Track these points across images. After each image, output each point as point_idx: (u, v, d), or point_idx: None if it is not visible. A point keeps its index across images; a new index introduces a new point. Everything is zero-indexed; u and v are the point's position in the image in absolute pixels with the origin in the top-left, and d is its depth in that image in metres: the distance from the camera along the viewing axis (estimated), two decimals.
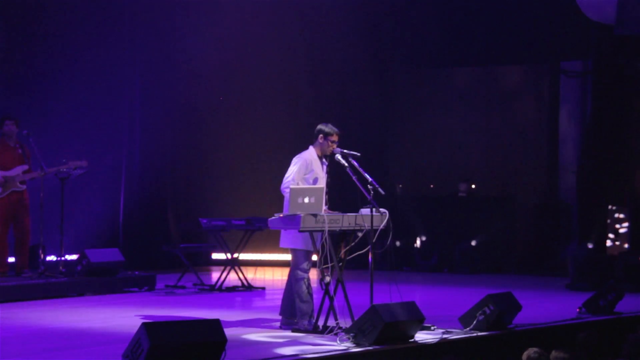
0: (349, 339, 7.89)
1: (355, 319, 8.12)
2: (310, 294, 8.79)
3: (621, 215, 14.91)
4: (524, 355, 6.38)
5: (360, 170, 8.69)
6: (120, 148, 15.39)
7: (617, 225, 14.98)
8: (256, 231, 12.69)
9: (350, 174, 8.66)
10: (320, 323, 8.60)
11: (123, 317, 9.79)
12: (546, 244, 16.02)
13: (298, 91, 16.57)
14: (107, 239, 14.57)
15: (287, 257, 9.06)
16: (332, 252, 8.58)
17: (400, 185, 17.32)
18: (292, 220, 8.40)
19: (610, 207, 15.03)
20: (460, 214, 16.33)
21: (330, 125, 8.96)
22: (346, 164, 8.75)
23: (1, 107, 13.12)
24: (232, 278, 12.63)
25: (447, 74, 17.45)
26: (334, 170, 9.08)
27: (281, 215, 8.60)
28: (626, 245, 14.79)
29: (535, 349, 6.40)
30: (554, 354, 6.41)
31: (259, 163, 16.16)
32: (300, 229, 8.40)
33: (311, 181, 8.81)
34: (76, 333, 8.64)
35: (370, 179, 8.58)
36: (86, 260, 11.81)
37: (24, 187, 11.72)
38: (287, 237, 8.87)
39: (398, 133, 17.63)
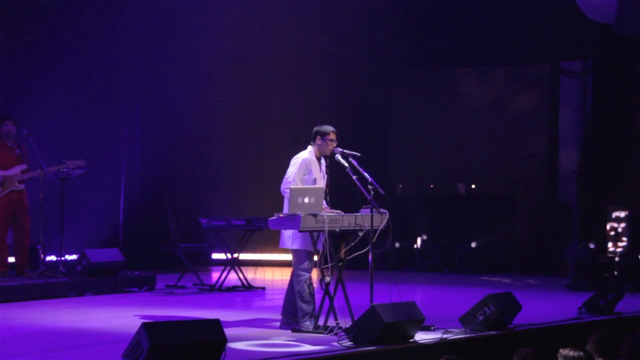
0: (349, 339, 7.88)
1: (355, 319, 8.12)
2: (312, 294, 8.78)
3: (621, 216, 14.90)
4: (515, 357, 6.35)
5: (360, 170, 8.69)
6: (120, 148, 15.39)
7: (617, 226, 14.97)
8: (256, 231, 12.69)
9: (350, 174, 8.66)
10: (321, 323, 8.60)
11: (123, 317, 9.79)
12: (546, 244, 16.00)
13: (297, 92, 16.55)
14: (107, 239, 14.57)
15: (287, 257, 9.06)
16: (332, 252, 8.58)
17: (400, 185, 17.31)
18: (292, 220, 8.40)
19: (610, 207, 15.01)
20: (460, 214, 16.32)
21: (325, 126, 8.98)
22: (346, 164, 8.75)
23: (1, 107, 13.13)
24: (232, 278, 12.63)
25: (447, 74, 17.44)
26: (333, 170, 9.08)
27: (281, 215, 8.60)
28: (626, 245, 14.77)
29: (527, 350, 6.37)
30: (562, 352, 6.36)
31: (259, 163, 16.15)
32: (300, 229, 8.41)
33: (309, 183, 8.81)
34: (76, 333, 8.64)
35: (370, 179, 8.57)
36: (86, 260, 11.81)
37: (23, 186, 11.71)
38: (287, 237, 8.87)
39: (398, 133, 17.62)
